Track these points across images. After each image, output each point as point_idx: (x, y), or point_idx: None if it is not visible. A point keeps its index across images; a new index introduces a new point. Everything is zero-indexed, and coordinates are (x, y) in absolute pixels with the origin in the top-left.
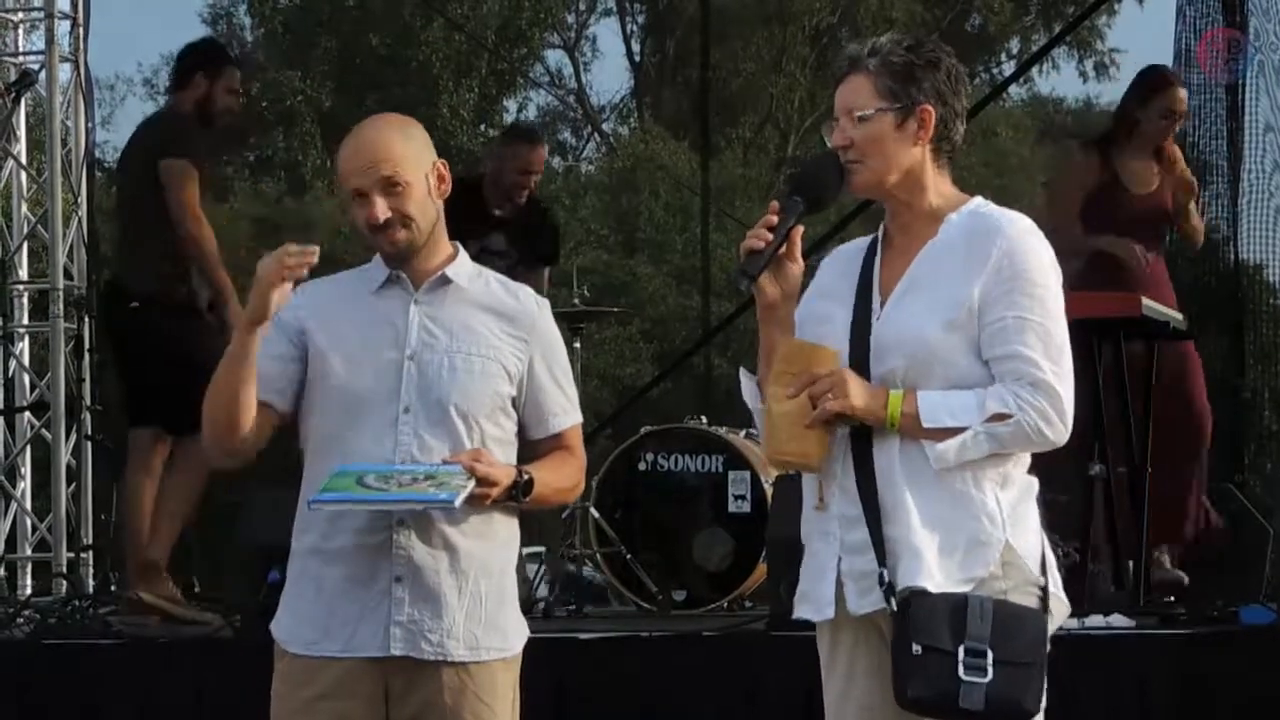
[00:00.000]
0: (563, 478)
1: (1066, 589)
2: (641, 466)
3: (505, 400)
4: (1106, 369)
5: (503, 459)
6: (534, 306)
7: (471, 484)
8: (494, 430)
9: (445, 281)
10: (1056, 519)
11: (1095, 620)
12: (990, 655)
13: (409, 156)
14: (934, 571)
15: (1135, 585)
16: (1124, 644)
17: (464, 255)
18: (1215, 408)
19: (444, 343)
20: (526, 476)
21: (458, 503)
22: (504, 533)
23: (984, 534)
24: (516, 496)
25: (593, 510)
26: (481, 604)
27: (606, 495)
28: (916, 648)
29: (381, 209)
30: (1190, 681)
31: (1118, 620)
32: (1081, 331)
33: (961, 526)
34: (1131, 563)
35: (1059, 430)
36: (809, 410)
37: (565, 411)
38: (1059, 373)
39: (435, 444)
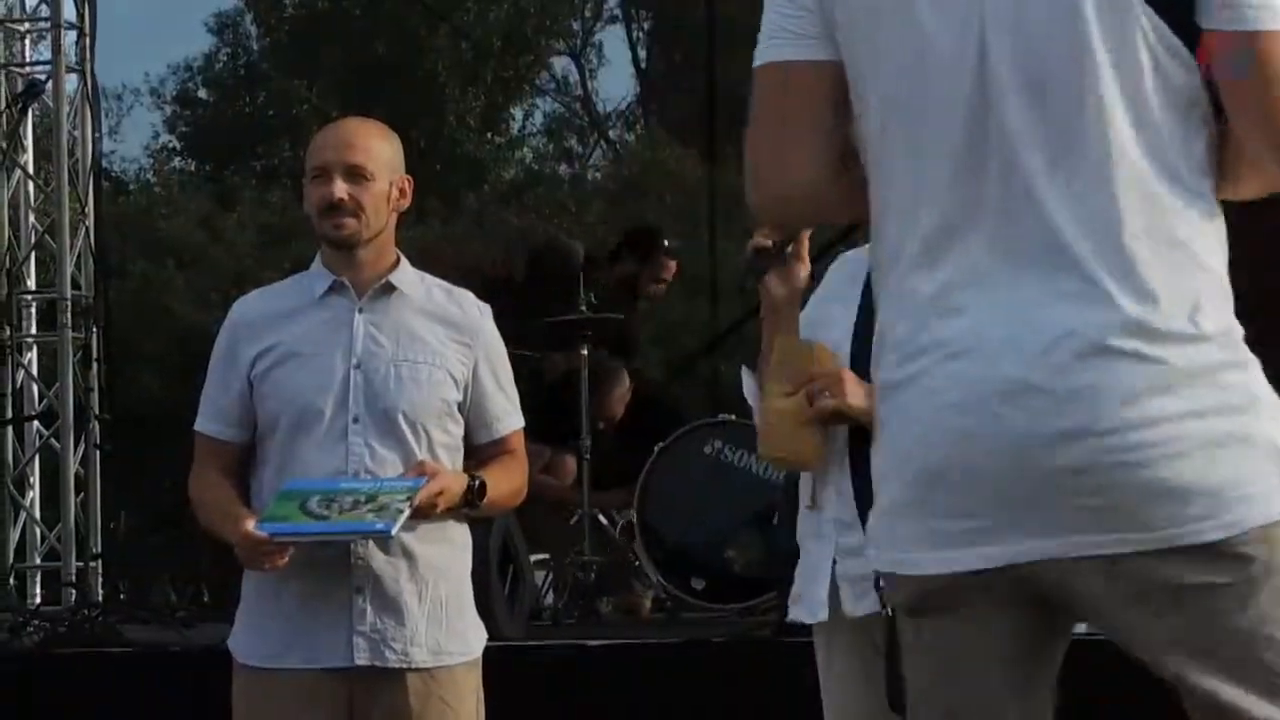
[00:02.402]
0: (510, 481)
1: None
2: (707, 450)
3: (452, 406)
4: None
5: (450, 465)
6: (476, 312)
7: (408, 511)
8: (442, 437)
9: (389, 289)
10: None
11: None
12: None
13: (382, 156)
14: None
15: None
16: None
17: (405, 263)
18: None
19: (390, 351)
20: (479, 481)
21: (394, 532)
22: (459, 538)
23: None
24: (473, 502)
25: (600, 516)
26: (442, 609)
27: (664, 463)
28: None
29: (340, 189)
30: None
31: None
32: None
33: None
34: None
35: None
36: (806, 409)
37: (509, 415)
38: None
39: (386, 453)
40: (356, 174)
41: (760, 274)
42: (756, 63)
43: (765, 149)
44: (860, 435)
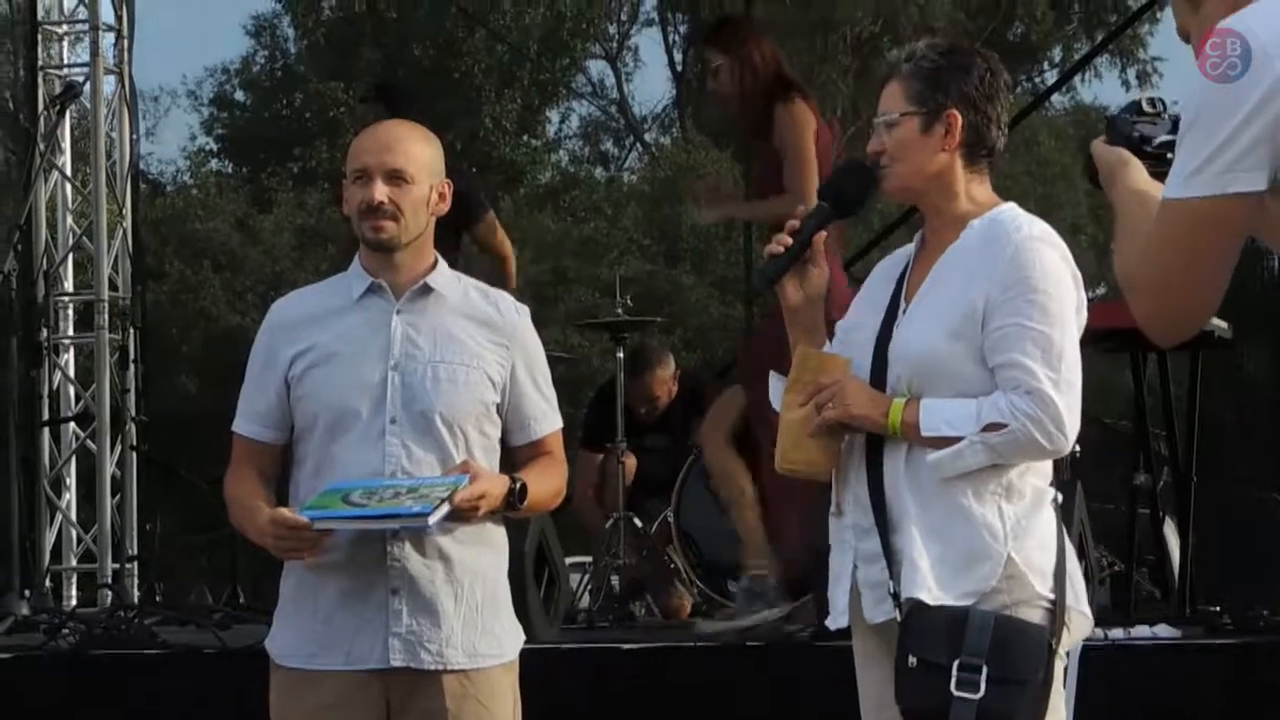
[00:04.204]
0: (550, 483)
1: (1111, 599)
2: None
3: (490, 408)
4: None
5: (488, 466)
6: (514, 314)
7: (448, 506)
8: (479, 438)
9: (426, 290)
10: (1102, 529)
11: (1141, 630)
12: (985, 671)
13: (423, 160)
14: (931, 584)
15: (1181, 595)
16: (1170, 654)
17: (443, 264)
18: (1258, 418)
19: (427, 352)
20: (521, 483)
21: (431, 518)
22: (495, 540)
23: (984, 547)
24: (514, 504)
25: (636, 520)
26: (478, 611)
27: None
28: (912, 660)
29: (380, 191)
30: (1237, 691)
31: (1163, 630)
32: (1125, 341)
33: (961, 539)
34: (1177, 572)
35: (1057, 439)
36: (814, 419)
37: (546, 416)
38: (1057, 380)
39: (423, 454)
40: (397, 177)
41: (771, 280)
42: (1189, 194)
43: (1186, 286)
44: (876, 442)
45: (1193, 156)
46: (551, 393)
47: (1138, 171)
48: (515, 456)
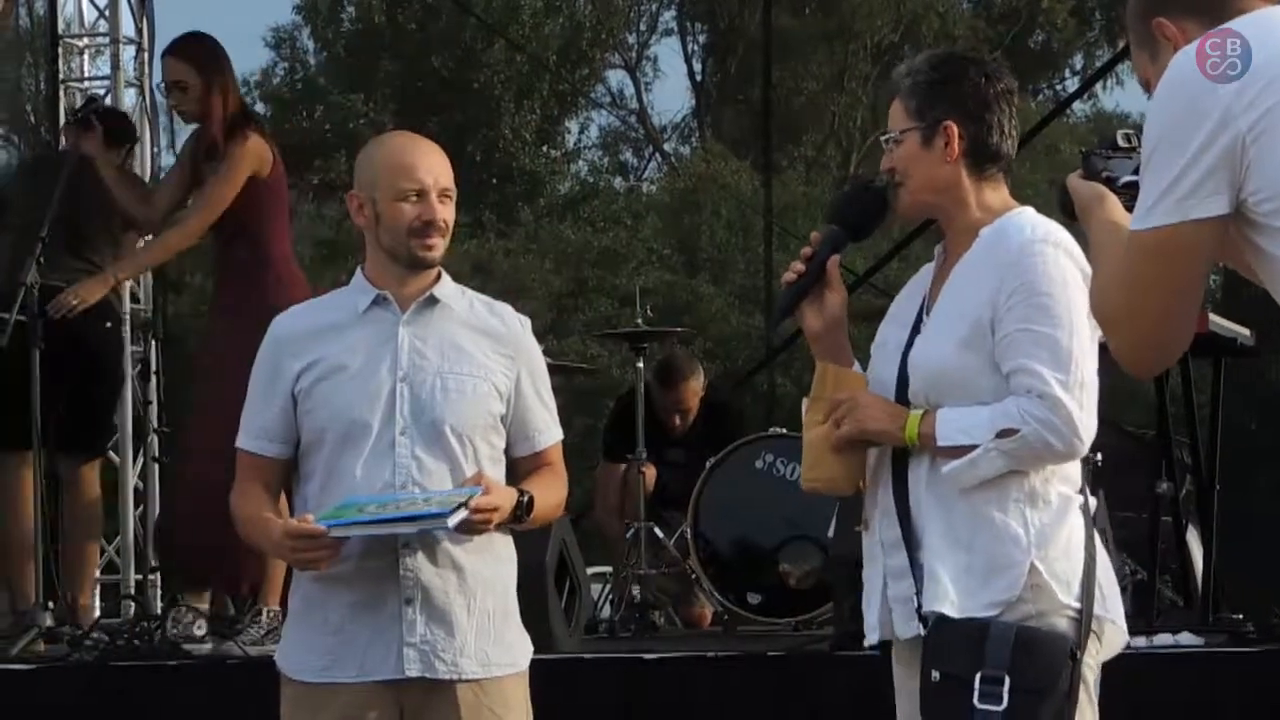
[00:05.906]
0: (553, 494)
1: (1134, 607)
2: (759, 464)
3: (496, 419)
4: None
5: (495, 477)
6: (518, 325)
7: (465, 513)
8: (487, 449)
9: (432, 302)
10: (1125, 537)
11: (1164, 638)
12: (1007, 683)
13: (452, 179)
14: (954, 596)
15: (1204, 603)
16: (1193, 662)
17: (446, 277)
18: (1275, 426)
19: (434, 364)
20: (528, 496)
21: (451, 521)
22: (504, 550)
23: (1007, 556)
24: (521, 516)
25: (656, 530)
26: (490, 620)
27: (717, 478)
28: (935, 675)
29: (440, 209)
30: (1260, 699)
31: (1186, 638)
32: None
33: (984, 549)
34: (1200, 580)
35: (1070, 442)
36: (832, 435)
37: (549, 428)
38: (1066, 383)
39: (433, 465)
40: (446, 196)
41: (785, 310)
42: (1152, 224)
43: (1159, 316)
44: (902, 455)
45: (1155, 185)
46: (553, 404)
47: (1113, 206)
48: (517, 467)
